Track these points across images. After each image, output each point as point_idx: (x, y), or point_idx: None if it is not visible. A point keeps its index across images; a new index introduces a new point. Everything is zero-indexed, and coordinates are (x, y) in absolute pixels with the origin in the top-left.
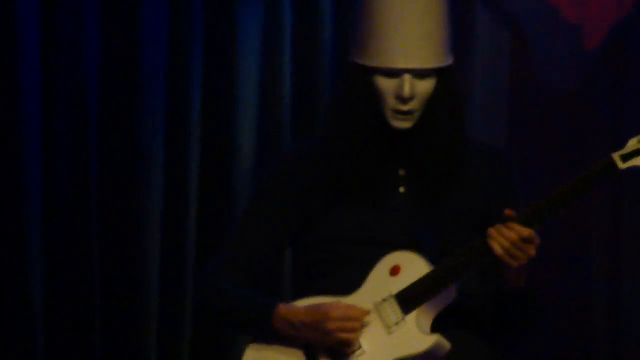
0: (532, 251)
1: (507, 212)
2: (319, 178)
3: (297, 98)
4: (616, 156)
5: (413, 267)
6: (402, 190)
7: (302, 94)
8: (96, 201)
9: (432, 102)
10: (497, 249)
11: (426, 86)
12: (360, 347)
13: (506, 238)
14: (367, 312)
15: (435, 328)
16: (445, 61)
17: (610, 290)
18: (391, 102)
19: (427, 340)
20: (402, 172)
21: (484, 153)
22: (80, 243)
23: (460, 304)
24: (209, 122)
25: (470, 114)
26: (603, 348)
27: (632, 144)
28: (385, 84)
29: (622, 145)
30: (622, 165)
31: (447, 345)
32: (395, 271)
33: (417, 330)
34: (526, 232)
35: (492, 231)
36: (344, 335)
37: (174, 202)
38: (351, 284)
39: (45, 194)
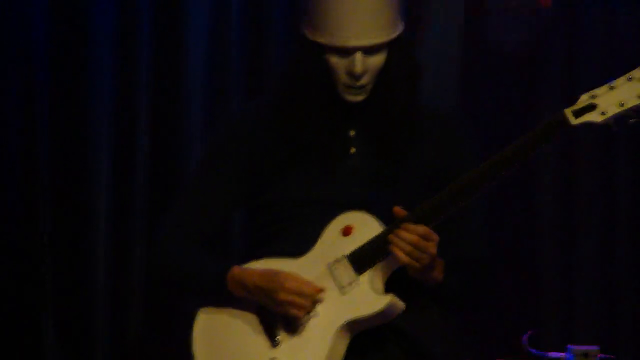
0: (432, 249)
1: (396, 209)
2: (269, 140)
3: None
4: (568, 112)
5: (365, 227)
6: (352, 150)
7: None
8: (47, 152)
9: (385, 73)
10: (401, 256)
11: (377, 60)
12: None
13: (407, 241)
14: (322, 290)
15: (388, 288)
16: (395, 32)
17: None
18: (343, 78)
19: (381, 301)
20: (352, 133)
21: (437, 114)
22: (29, 198)
23: None
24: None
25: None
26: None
27: (584, 99)
28: (337, 61)
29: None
30: (575, 121)
31: (401, 305)
32: (347, 231)
33: (370, 291)
34: (421, 229)
35: (391, 237)
36: (293, 311)
37: (122, 158)
38: (303, 245)
39: None
